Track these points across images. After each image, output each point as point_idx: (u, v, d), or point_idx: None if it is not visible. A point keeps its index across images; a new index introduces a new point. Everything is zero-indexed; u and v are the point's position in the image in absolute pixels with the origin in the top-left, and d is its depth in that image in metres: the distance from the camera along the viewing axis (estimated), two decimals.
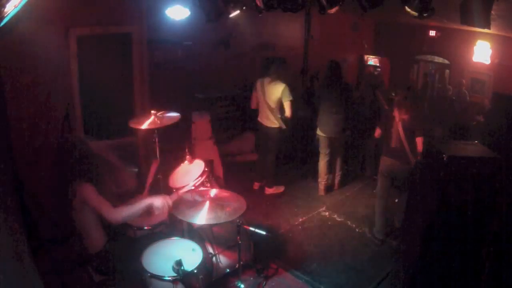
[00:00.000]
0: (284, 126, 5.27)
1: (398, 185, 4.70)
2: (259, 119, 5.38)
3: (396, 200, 4.79)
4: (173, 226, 3.64)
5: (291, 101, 5.07)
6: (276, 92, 5.08)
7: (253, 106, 5.43)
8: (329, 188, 5.68)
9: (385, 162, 4.35)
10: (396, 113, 4.18)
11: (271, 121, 5.23)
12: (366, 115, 6.00)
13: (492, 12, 3.06)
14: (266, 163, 5.49)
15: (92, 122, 4.80)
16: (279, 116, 5.20)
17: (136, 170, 4.69)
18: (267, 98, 5.14)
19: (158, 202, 2.88)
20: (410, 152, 4.09)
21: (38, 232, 3.81)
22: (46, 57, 4.19)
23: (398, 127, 4.15)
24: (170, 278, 2.63)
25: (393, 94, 6.73)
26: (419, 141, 4.07)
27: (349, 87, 5.51)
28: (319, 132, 5.38)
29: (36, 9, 3.74)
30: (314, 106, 5.51)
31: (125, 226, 3.31)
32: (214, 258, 3.49)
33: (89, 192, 2.77)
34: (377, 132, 4.53)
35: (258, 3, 4.31)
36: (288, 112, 5.10)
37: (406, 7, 3.33)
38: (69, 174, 2.83)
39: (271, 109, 5.15)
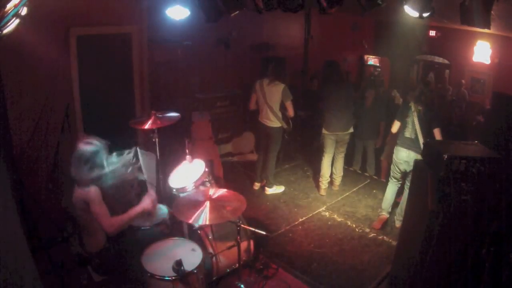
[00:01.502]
0: (286, 126, 5.28)
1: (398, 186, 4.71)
2: (260, 119, 5.39)
3: (397, 200, 4.79)
4: (173, 226, 3.64)
5: (292, 100, 5.10)
6: (276, 93, 5.09)
7: (252, 107, 5.43)
8: (329, 188, 5.67)
9: (400, 152, 4.47)
10: (412, 105, 4.33)
11: (272, 121, 5.23)
12: (366, 115, 6.00)
13: (492, 12, 3.06)
14: (266, 163, 5.50)
15: (92, 122, 4.80)
16: (280, 116, 5.21)
17: None
18: (267, 99, 5.15)
19: (146, 202, 2.98)
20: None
21: (38, 232, 3.82)
22: (46, 57, 4.19)
23: (414, 118, 4.29)
24: (170, 278, 2.63)
25: (392, 95, 6.73)
26: (436, 132, 4.22)
27: (348, 84, 5.53)
28: (324, 131, 5.38)
29: (36, 9, 3.75)
30: (315, 106, 5.51)
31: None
32: (214, 258, 3.49)
33: (94, 196, 2.78)
34: (395, 126, 4.59)
35: (258, 3, 4.31)
36: (290, 111, 5.14)
37: (406, 7, 3.33)
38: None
39: (272, 110, 5.16)
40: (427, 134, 4.24)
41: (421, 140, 4.23)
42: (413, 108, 4.32)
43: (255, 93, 5.29)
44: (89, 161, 2.75)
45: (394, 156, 4.59)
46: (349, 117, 5.31)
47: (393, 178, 4.68)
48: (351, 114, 5.36)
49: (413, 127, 4.33)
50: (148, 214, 3.49)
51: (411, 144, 4.35)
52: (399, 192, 4.75)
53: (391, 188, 4.71)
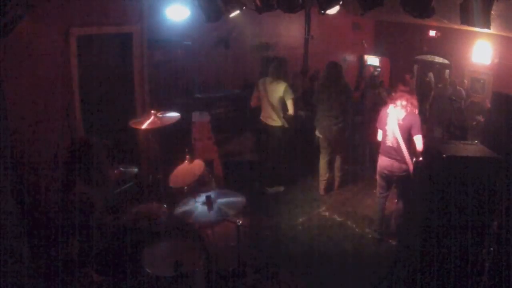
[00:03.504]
0: (287, 125, 5.28)
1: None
2: (261, 118, 5.41)
3: (396, 201, 4.78)
4: (173, 225, 3.64)
5: (293, 99, 5.11)
6: (278, 91, 5.11)
7: (253, 104, 5.45)
8: (329, 188, 5.67)
9: (383, 161, 4.26)
10: (391, 109, 4.10)
11: (274, 120, 5.25)
12: (366, 115, 6.01)
13: (492, 12, 3.06)
14: (267, 162, 5.50)
15: (92, 122, 4.80)
16: (282, 115, 5.22)
17: (136, 170, 4.68)
18: (269, 97, 5.17)
19: None
20: (406, 151, 4.00)
21: (39, 232, 3.82)
22: (46, 57, 4.19)
23: (394, 125, 4.04)
24: (170, 278, 2.63)
25: (393, 94, 6.74)
26: (417, 139, 3.93)
27: (348, 87, 5.49)
28: (317, 133, 5.39)
29: (36, 9, 3.75)
30: (313, 107, 5.51)
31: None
32: (214, 258, 3.49)
33: (87, 199, 2.80)
34: (379, 134, 4.37)
35: (258, 3, 4.31)
36: (291, 110, 5.14)
37: (407, 8, 3.33)
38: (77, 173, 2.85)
39: (273, 108, 5.18)
40: (409, 141, 3.95)
41: (404, 149, 3.96)
42: (392, 115, 4.07)
43: (258, 91, 5.31)
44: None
45: (378, 165, 4.34)
46: (342, 122, 5.26)
47: (379, 189, 4.43)
48: (347, 118, 5.32)
49: (393, 135, 4.04)
50: (148, 213, 3.51)
51: (393, 153, 4.08)
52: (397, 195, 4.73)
53: (380, 205, 4.48)
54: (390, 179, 4.30)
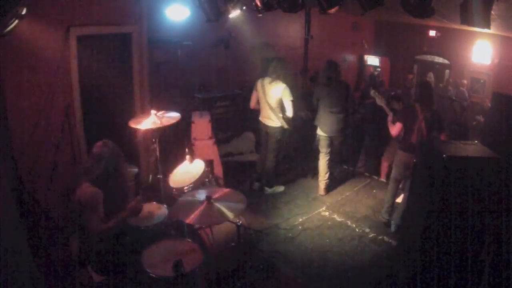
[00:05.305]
0: (286, 126, 5.27)
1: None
2: (260, 118, 5.39)
3: (398, 200, 4.79)
4: (173, 226, 3.64)
5: (292, 100, 5.09)
6: (276, 92, 5.09)
7: (253, 105, 5.43)
8: (329, 188, 5.67)
9: (402, 157, 4.41)
10: (418, 109, 4.25)
11: (273, 121, 5.23)
12: (366, 115, 6.01)
13: (492, 12, 3.06)
14: (266, 162, 5.49)
15: (92, 122, 4.80)
16: (281, 115, 5.20)
17: (136, 170, 4.69)
18: (268, 98, 5.15)
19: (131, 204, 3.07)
20: None
21: (38, 231, 3.82)
22: (46, 57, 4.19)
23: (421, 123, 4.22)
24: (170, 278, 2.63)
25: (392, 93, 6.74)
26: (443, 137, 4.23)
27: (348, 86, 5.49)
28: (319, 132, 5.38)
29: (36, 9, 3.76)
30: (313, 106, 5.50)
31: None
32: (214, 258, 3.49)
33: (96, 198, 2.80)
34: (397, 128, 4.48)
35: (258, 3, 4.31)
36: (289, 111, 5.12)
37: (406, 8, 3.33)
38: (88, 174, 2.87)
39: (272, 109, 5.16)
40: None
41: None
42: (419, 113, 4.22)
43: (256, 92, 5.29)
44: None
45: (396, 160, 4.51)
46: (344, 119, 5.28)
47: (392, 182, 4.64)
48: (347, 116, 5.33)
49: (420, 132, 4.22)
50: (148, 213, 3.51)
51: (416, 149, 4.20)
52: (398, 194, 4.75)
53: (391, 190, 4.69)
54: (405, 174, 4.44)
